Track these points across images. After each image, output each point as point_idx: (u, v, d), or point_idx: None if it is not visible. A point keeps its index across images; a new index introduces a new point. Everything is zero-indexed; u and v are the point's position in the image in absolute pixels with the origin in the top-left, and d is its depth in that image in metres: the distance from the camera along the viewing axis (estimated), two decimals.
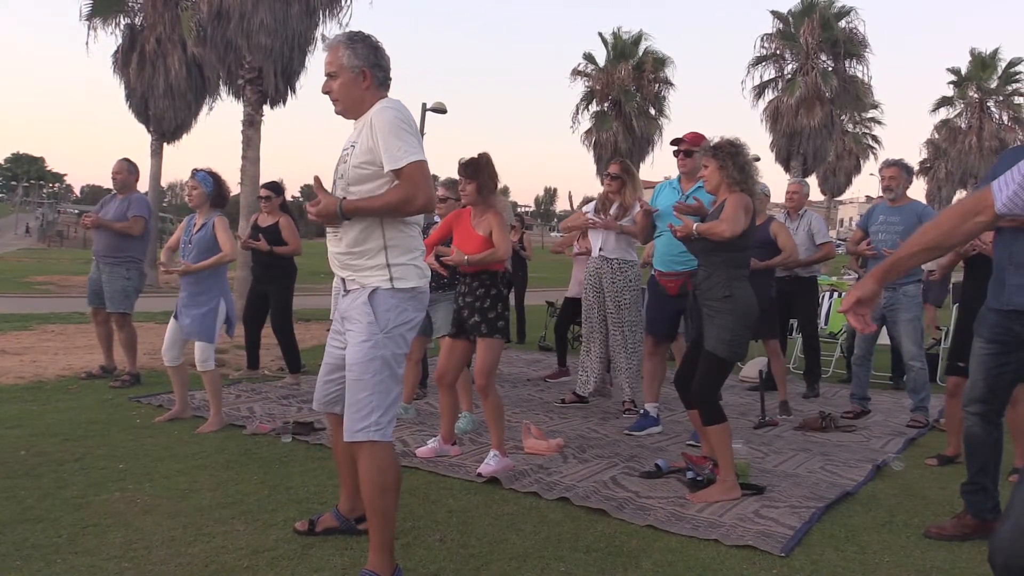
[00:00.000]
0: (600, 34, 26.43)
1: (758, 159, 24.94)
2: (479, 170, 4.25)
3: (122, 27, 17.56)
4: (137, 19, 17.70)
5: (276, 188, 6.65)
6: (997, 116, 32.20)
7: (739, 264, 3.89)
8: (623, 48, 26.01)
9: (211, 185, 5.10)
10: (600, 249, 5.69)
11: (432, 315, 5.33)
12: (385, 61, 2.79)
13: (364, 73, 2.72)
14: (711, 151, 3.97)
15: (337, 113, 2.80)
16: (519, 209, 53.27)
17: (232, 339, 6.51)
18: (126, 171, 6.66)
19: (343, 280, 2.82)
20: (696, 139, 5.05)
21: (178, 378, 5.16)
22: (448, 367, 4.42)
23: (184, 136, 18.39)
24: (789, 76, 24.05)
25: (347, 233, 2.73)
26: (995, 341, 3.29)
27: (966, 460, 3.50)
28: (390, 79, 2.81)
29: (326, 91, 2.77)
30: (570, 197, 5.97)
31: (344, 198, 2.68)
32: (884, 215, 5.69)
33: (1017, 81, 31.97)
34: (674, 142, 5.21)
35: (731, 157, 3.91)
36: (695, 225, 3.97)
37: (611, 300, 5.63)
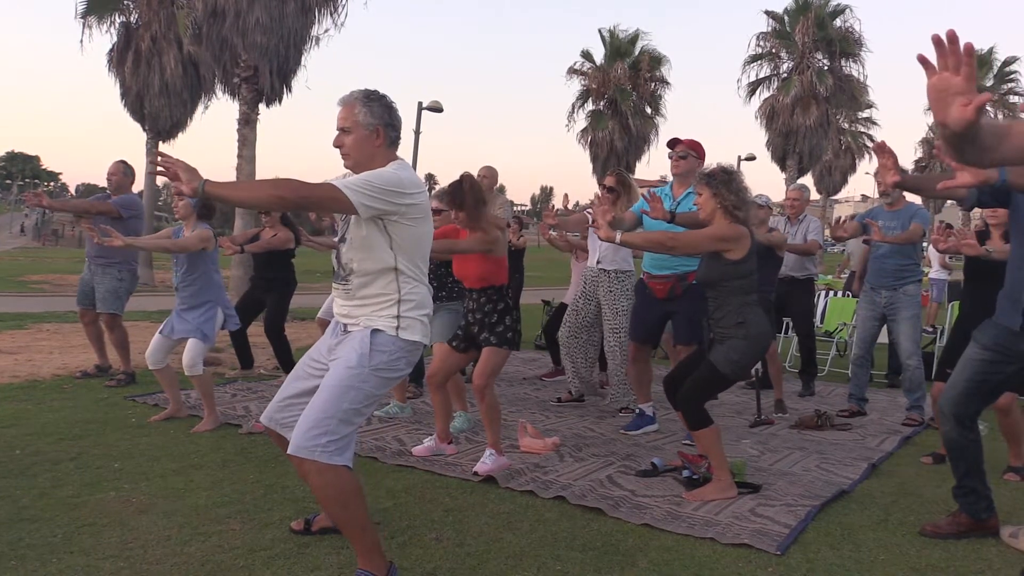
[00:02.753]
0: (600, 31, 26.45)
1: (753, 158, 24.81)
2: (463, 196, 4.24)
3: (117, 25, 17.53)
4: (132, 17, 17.66)
5: None
6: (992, 115, 32.31)
7: (747, 290, 3.90)
8: (620, 47, 26.02)
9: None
10: (598, 262, 5.66)
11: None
12: (398, 121, 2.82)
13: (378, 131, 2.74)
14: (705, 179, 3.99)
15: (347, 167, 2.81)
16: (516, 208, 53.19)
17: (227, 334, 6.50)
18: (121, 173, 6.64)
19: (344, 325, 2.79)
20: (692, 144, 5.07)
21: (165, 379, 5.15)
22: (439, 369, 4.46)
23: (180, 135, 18.37)
24: (784, 75, 24.10)
25: (360, 288, 2.72)
26: (991, 350, 3.29)
27: (951, 465, 3.51)
28: (400, 138, 2.84)
29: (337, 145, 2.77)
30: (565, 200, 5.98)
31: (206, 180, 2.46)
32: (883, 220, 5.69)
33: (1012, 80, 32.07)
34: (671, 143, 5.20)
35: (725, 185, 3.91)
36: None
37: (608, 307, 5.60)
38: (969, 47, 1.52)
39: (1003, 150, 1.76)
